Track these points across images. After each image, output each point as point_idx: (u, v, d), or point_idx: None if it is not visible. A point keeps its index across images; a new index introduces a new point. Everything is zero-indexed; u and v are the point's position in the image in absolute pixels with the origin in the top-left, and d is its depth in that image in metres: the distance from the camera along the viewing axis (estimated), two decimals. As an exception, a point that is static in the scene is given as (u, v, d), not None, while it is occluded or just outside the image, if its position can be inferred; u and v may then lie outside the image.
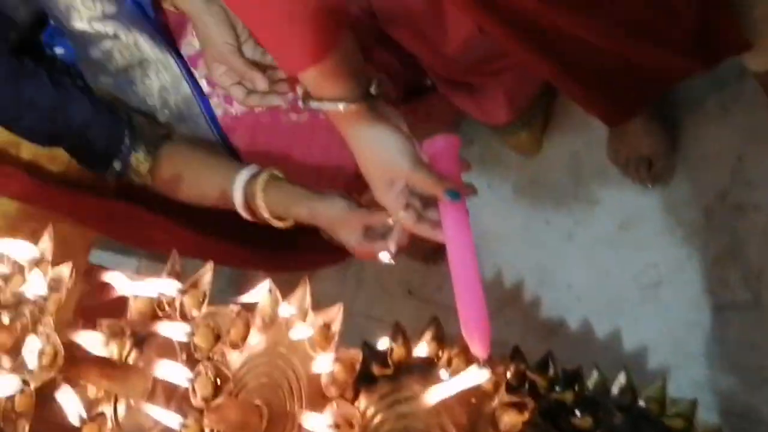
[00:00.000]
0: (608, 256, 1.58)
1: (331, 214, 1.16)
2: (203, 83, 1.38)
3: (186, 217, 1.44)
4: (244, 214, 1.24)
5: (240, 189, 1.23)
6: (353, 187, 1.27)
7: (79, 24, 1.30)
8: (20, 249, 0.86)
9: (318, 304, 0.96)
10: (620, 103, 1.35)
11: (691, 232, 1.49)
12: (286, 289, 0.98)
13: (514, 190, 1.73)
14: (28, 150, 1.46)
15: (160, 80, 1.36)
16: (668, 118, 1.52)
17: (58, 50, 1.39)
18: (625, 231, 1.57)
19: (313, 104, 1.00)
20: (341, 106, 0.98)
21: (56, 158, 1.49)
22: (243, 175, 1.24)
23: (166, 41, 1.35)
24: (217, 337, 0.87)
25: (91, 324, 0.89)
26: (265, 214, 1.22)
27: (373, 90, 0.99)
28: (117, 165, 1.33)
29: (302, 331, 0.89)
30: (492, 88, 1.52)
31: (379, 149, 1.00)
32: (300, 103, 1.03)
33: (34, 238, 1.13)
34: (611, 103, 1.34)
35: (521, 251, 1.69)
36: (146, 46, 1.33)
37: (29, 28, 1.35)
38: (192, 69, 1.37)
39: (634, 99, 1.36)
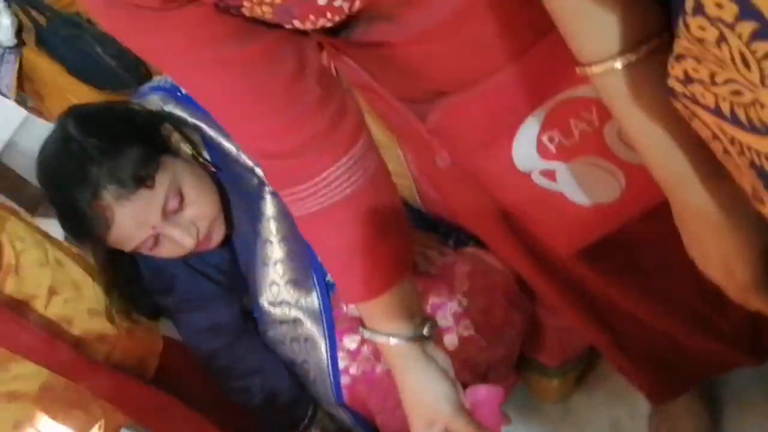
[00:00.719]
0: None
1: None
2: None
3: (223, 416, 1.46)
4: None
5: None
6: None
7: (270, 304, 1.41)
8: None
9: None
10: (666, 382, 1.35)
11: None
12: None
13: (551, 446, 1.70)
14: (79, 328, 1.51)
15: (316, 391, 1.44)
16: (712, 400, 1.50)
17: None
18: None
19: (366, 334, 1.02)
20: (392, 341, 1.00)
21: (104, 339, 1.53)
22: None
23: (332, 349, 1.42)
24: None
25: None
26: None
27: (426, 331, 1.01)
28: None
29: None
30: (546, 326, 1.54)
31: (423, 390, 1.01)
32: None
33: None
34: (656, 381, 1.34)
35: None
36: (314, 346, 1.41)
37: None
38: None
39: (680, 380, 1.36)
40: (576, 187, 0.95)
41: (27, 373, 1.41)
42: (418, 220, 1.57)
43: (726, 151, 0.59)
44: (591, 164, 0.93)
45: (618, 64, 0.64)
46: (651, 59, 0.63)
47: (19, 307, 1.49)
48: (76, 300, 1.57)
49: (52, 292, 1.55)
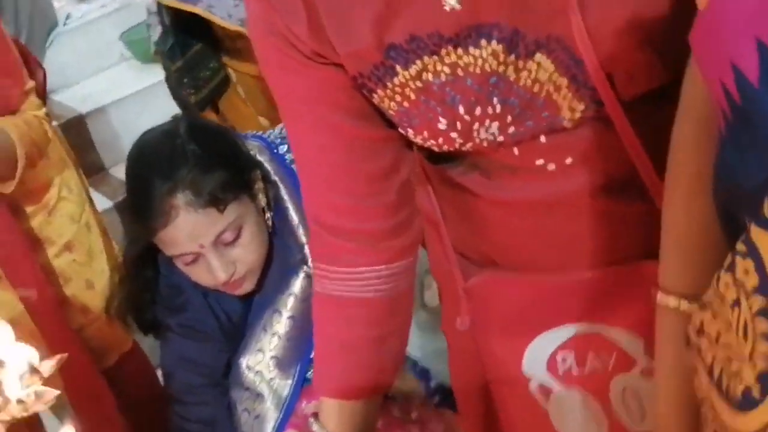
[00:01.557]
0: None
1: None
2: None
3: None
4: None
5: None
6: None
7: (247, 367, 1.43)
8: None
9: None
10: None
11: None
12: None
13: None
14: (71, 290, 1.57)
15: None
16: None
17: None
18: None
19: (315, 426, 1.02)
20: None
21: (86, 312, 1.56)
22: None
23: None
24: None
25: None
26: None
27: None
28: None
29: None
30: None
31: None
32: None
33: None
34: None
35: None
36: (261, 427, 1.41)
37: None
38: None
39: None
40: (561, 415, 0.96)
41: (4, 301, 1.45)
42: (414, 365, 1.58)
43: (705, 417, 0.60)
44: (585, 403, 0.94)
45: (682, 305, 0.67)
46: None
47: (33, 243, 1.54)
48: (83, 265, 1.62)
49: (67, 247, 1.60)
